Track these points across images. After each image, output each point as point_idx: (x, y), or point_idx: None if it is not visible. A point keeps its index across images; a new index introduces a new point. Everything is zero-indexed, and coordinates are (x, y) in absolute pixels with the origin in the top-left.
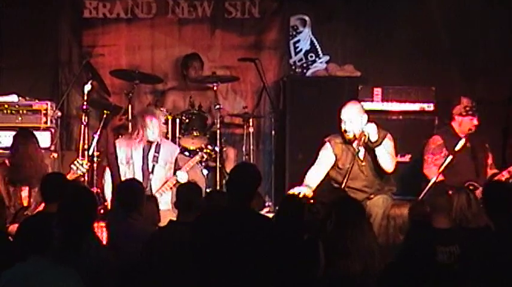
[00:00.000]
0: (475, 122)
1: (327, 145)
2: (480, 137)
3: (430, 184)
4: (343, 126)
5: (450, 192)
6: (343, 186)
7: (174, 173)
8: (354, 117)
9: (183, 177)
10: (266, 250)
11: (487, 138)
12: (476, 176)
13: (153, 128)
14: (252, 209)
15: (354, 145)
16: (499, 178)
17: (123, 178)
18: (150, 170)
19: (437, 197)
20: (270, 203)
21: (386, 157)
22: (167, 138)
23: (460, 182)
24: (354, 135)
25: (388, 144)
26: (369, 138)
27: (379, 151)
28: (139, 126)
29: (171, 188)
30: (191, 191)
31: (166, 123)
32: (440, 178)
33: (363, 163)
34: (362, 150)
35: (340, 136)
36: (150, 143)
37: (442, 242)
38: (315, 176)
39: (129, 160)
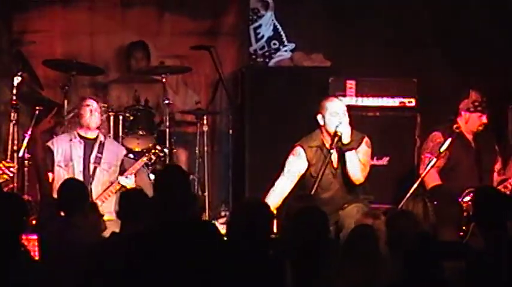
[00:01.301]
0: (484, 120)
1: (299, 150)
2: (488, 138)
3: (411, 190)
4: (336, 122)
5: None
6: (312, 192)
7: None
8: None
9: (127, 182)
10: (211, 269)
11: (495, 138)
12: (479, 182)
13: (95, 112)
14: (192, 219)
15: (328, 145)
16: (505, 185)
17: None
18: (91, 173)
19: (448, 206)
20: (227, 213)
21: (356, 164)
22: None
23: (459, 188)
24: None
25: (363, 150)
26: (340, 139)
27: (349, 156)
28: (78, 112)
29: (114, 193)
30: (135, 198)
31: (107, 121)
32: (438, 182)
33: (336, 169)
34: (335, 153)
35: (313, 138)
36: (92, 143)
37: (450, 257)
38: (282, 190)
39: (69, 162)
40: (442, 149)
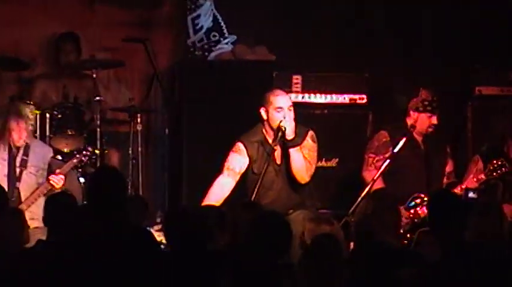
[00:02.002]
0: (434, 120)
1: (240, 146)
2: (439, 139)
3: (363, 194)
4: (280, 117)
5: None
6: (253, 197)
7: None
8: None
9: (55, 185)
10: (146, 281)
11: (448, 140)
12: (427, 187)
13: (20, 133)
14: (127, 226)
15: (271, 141)
16: (455, 190)
17: None
18: (17, 176)
19: (383, 212)
20: (162, 219)
21: (301, 162)
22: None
23: (405, 193)
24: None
25: (308, 145)
26: (284, 134)
27: (294, 154)
28: (6, 121)
29: (43, 195)
30: (63, 203)
31: (34, 120)
32: (380, 185)
33: (280, 166)
34: (278, 149)
35: (255, 132)
36: (17, 145)
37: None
38: (223, 189)
39: None
40: (395, 150)
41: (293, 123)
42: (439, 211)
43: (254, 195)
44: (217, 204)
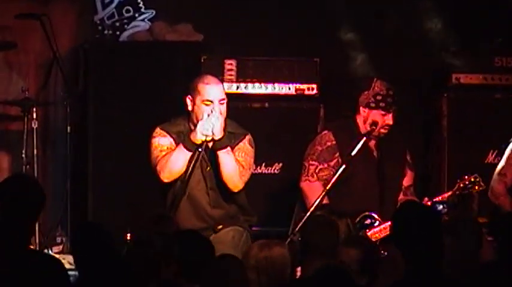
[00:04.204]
0: (389, 120)
1: (161, 132)
2: (396, 144)
3: (311, 210)
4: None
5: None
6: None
7: None
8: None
9: None
10: None
11: (407, 145)
12: (380, 204)
13: None
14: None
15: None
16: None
17: None
18: None
19: (312, 233)
20: (63, 239)
21: (234, 167)
22: None
23: (354, 211)
24: None
25: (244, 149)
26: (212, 132)
27: (223, 156)
28: None
29: None
30: None
31: None
32: (325, 201)
33: (207, 168)
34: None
35: (177, 123)
36: None
37: None
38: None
39: None
40: (353, 153)
41: (222, 120)
42: (401, 225)
43: (172, 205)
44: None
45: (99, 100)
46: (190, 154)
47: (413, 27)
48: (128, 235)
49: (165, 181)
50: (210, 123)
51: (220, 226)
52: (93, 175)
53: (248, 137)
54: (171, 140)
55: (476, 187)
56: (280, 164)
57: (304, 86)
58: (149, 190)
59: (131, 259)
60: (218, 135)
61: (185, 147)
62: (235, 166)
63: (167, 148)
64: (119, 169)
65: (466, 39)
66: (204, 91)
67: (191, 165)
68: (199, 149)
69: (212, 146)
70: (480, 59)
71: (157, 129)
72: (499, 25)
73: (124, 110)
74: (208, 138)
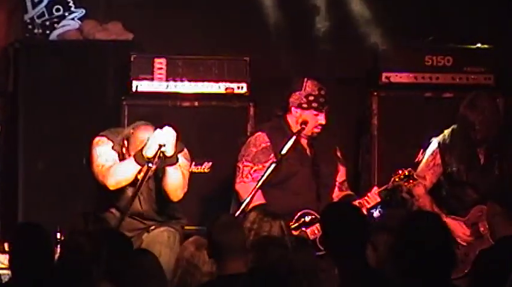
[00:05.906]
0: (322, 120)
1: (104, 140)
2: (328, 142)
3: (240, 209)
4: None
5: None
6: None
7: None
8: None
9: None
10: None
11: (338, 143)
12: (317, 201)
13: None
14: None
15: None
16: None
17: None
18: None
19: (226, 232)
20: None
21: (180, 181)
22: None
23: (291, 209)
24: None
25: (183, 164)
26: (164, 153)
27: (172, 172)
28: None
29: None
30: None
31: None
32: (261, 201)
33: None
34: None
35: (119, 132)
36: None
37: None
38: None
39: None
40: (283, 152)
41: (174, 134)
42: (329, 227)
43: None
44: None
45: (29, 99)
46: (139, 167)
47: (346, 26)
48: (58, 234)
49: (111, 188)
50: (162, 135)
51: (153, 227)
52: (24, 174)
53: (185, 151)
54: (112, 144)
55: (411, 181)
56: (210, 163)
57: (234, 85)
58: (80, 190)
59: (64, 260)
60: (170, 152)
61: (136, 161)
62: (181, 181)
63: (110, 155)
64: (49, 168)
65: (397, 38)
66: (139, 134)
67: (139, 182)
68: (150, 165)
69: (163, 162)
70: (411, 57)
71: (100, 139)
72: (430, 23)
73: (55, 109)
74: (163, 149)
